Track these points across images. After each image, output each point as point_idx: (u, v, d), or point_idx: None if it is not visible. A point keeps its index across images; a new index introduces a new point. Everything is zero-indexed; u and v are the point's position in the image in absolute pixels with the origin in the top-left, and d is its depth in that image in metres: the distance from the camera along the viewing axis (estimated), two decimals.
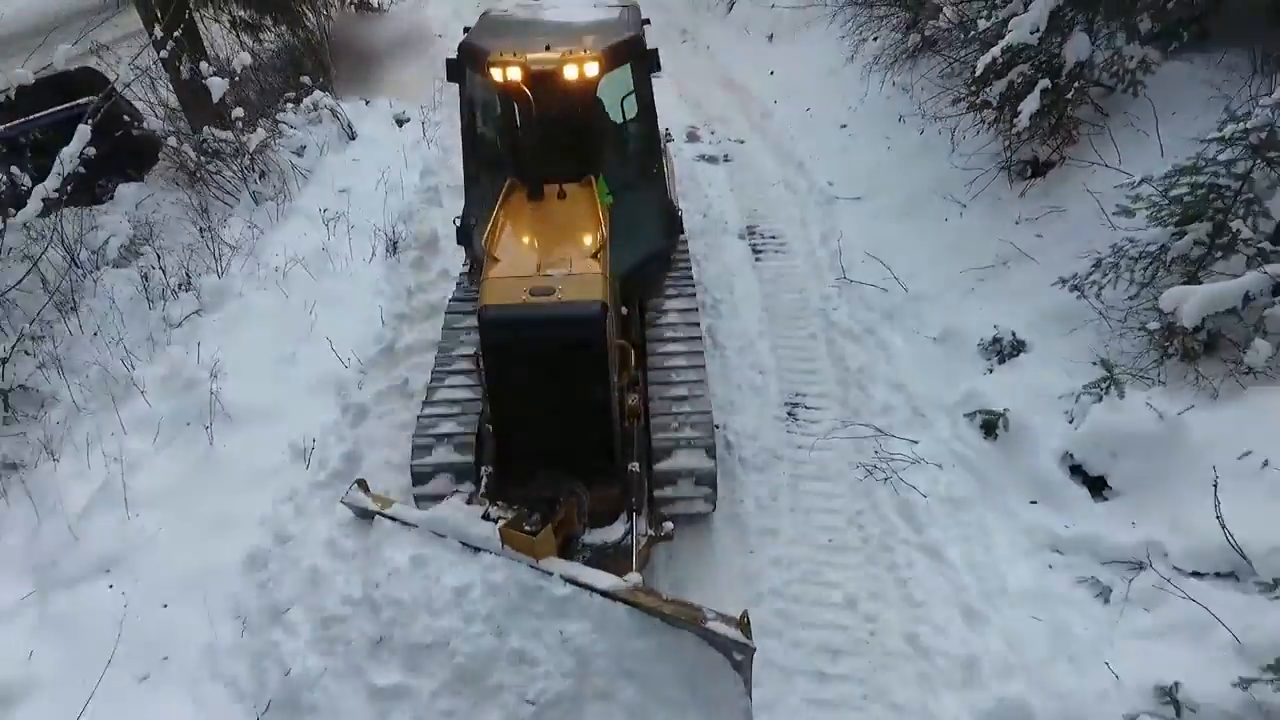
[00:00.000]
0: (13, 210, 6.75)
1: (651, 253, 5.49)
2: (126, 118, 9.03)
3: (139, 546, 4.17)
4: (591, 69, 4.51)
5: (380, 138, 9.18)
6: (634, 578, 3.56)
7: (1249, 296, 3.99)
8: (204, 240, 7.75)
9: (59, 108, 8.80)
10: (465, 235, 5.64)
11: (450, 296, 5.61)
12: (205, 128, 8.71)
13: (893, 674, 3.93)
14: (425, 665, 3.48)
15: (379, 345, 5.55)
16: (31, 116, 8.61)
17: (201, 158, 8.67)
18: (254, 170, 8.54)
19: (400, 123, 9.68)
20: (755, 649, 3.30)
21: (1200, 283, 4.24)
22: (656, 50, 5.00)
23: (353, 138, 9.15)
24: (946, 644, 3.95)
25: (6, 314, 6.95)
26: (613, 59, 4.68)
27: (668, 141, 6.54)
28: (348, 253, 6.86)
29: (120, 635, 3.68)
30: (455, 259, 6.50)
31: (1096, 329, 4.85)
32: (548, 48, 4.57)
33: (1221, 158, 4.12)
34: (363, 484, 4.06)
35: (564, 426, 4.10)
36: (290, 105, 9.24)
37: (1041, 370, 4.94)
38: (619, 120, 5.31)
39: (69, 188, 7.00)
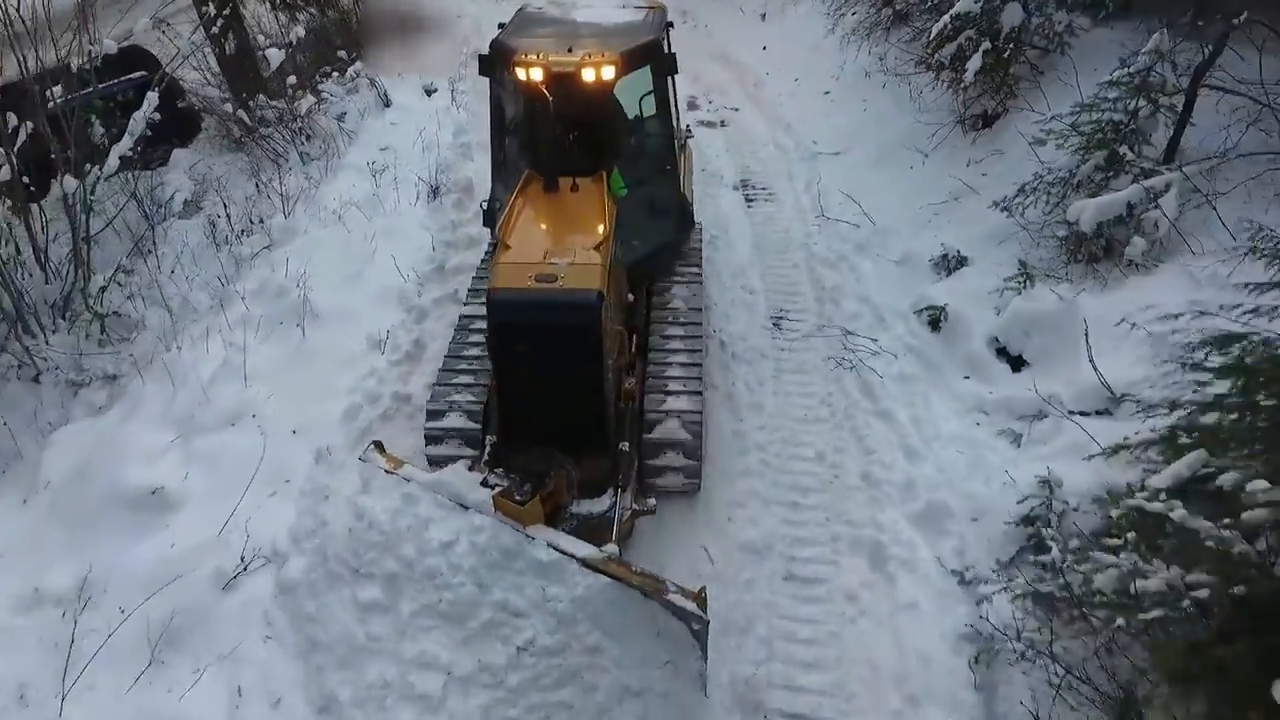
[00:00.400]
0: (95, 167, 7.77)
1: (660, 245, 5.78)
2: (188, 88, 10.07)
3: (257, 406, 5.27)
4: (608, 72, 4.76)
5: (413, 105, 10.25)
6: (610, 548, 3.82)
7: (1131, 205, 5.07)
8: (261, 193, 8.82)
9: (126, 77, 9.81)
10: (490, 218, 5.87)
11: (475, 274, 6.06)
12: (259, 95, 9.76)
13: (850, 501, 5.03)
14: (414, 595, 3.90)
15: (431, 265, 6.63)
16: (104, 84, 9.61)
17: (253, 122, 9.71)
18: (302, 133, 9.60)
19: (429, 92, 10.74)
20: (709, 621, 3.56)
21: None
22: (675, 55, 5.29)
23: (388, 105, 10.22)
24: (891, 475, 5.06)
25: (91, 255, 7.99)
26: (630, 62, 4.90)
27: (688, 138, 6.73)
28: (395, 198, 7.92)
29: (261, 461, 4.78)
30: None
31: (1020, 241, 5.95)
32: (570, 49, 4.84)
33: (1112, 96, 5.20)
34: (379, 445, 4.43)
35: (560, 403, 4.44)
36: (336, 75, 10.28)
37: (978, 277, 6.05)
38: (637, 118, 5.58)
39: (139, 148, 8.03)
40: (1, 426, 5.76)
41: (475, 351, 5.14)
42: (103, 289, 7.32)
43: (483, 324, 4.75)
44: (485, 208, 5.96)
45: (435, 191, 7.93)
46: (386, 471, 4.23)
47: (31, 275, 7.17)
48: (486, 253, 6.26)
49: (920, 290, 6.25)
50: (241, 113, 9.75)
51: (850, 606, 4.46)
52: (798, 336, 6.42)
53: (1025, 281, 5.39)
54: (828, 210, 7.73)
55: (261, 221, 7.80)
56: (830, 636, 4.35)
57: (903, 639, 4.22)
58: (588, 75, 4.75)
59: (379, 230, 7.26)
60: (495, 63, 5.22)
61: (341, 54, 10.98)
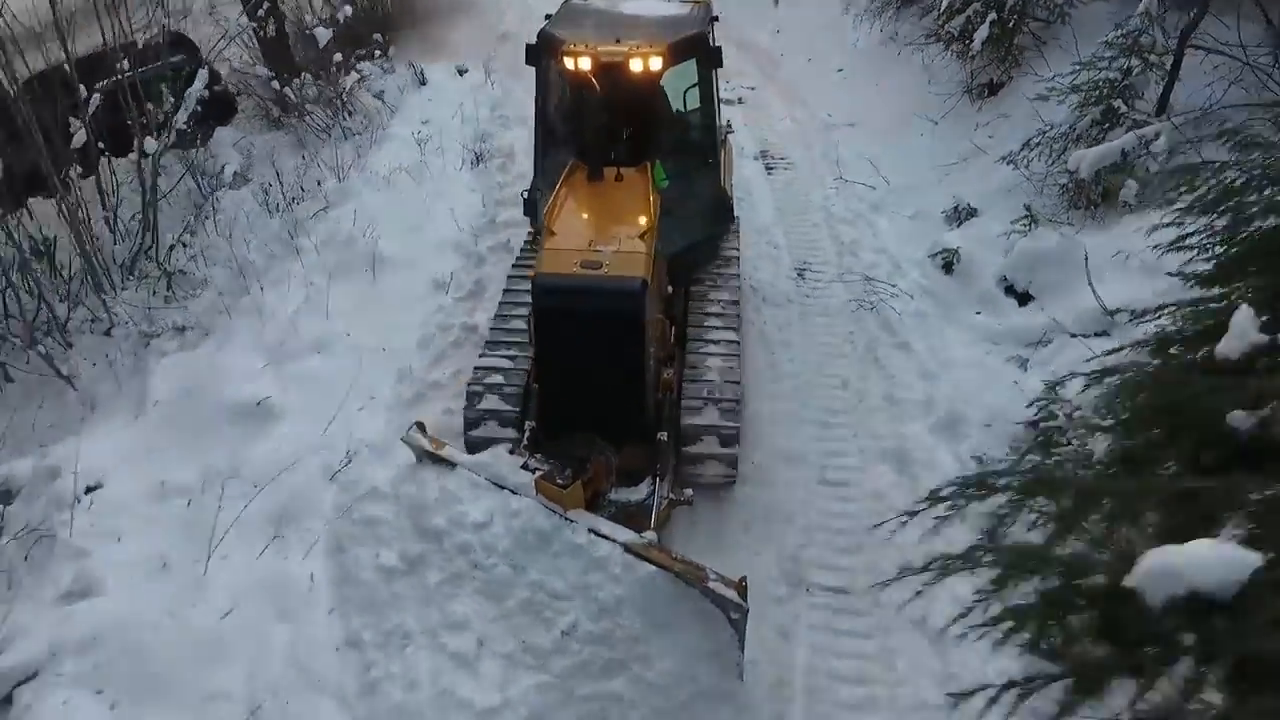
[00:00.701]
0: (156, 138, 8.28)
1: (700, 237, 5.78)
2: (236, 68, 10.63)
3: (340, 335, 5.85)
4: (655, 63, 4.83)
5: (447, 84, 10.81)
6: (650, 535, 3.89)
7: (1125, 152, 5.67)
8: (306, 164, 9.37)
9: (170, 60, 10.31)
10: (531, 207, 5.89)
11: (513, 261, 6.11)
12: (303, 73, 10.32)
13: (874, 419, 5.60)
14: (442, 565, 4.08)
15: (484, 218, 7.22)
16: (150, 66, 10.12)
17: (298, 99, 10.27)
18: (345, 109, 10.17)
19: (461, 72, 11.30)
20: (749, 610, 3.58)
21: None
22: (720, 48, 5.37)
23: (423, 83, 10.78)
24: (911, 395, 5.64)
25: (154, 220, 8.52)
26: (677, 54, 4.98)
27: (729, 134, 6.77)
28: (441, 165, 8.48)
29: (355, 381, 5.37)
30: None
31: (1025, 191, 6.56)
32: (618, 40, 4.92)
33: (1108, 55, 5.80)
34: (421, 426, 4.51)
35: (601, 390, 4.49)
36: (379, 53, 10.85)
37: (987, 225, 6.64)
38: (681, 110, 5.69)
39: (191, 123, 8.57)
40: (104, 359, 6.35)
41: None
42: (172, 247, 7.88)
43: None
44: (525, 196, 5.99)
45: (479, 158, 8.50)
46: (428, 452, 4.38)
47: (99, 238, 7.69)
48: (525, 242, 6.28)
49: (934, 238, 6.84)
50: (287, 91, 10.31)
51: (878, 503, 5.03)
52: (820, 284, 7.00)
53: (1030, 224, 5.98)
54: (845, 174, 8.31)
55: (319, 184, 8.35)
56: (862, 528, 4.92)
57: (926, 524, 4.79)
58: (635, 66, 4.84)
59: (429, 193, 7.83)
60: (542, 52, 5.31)
61: (377, 36, 11.54)
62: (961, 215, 6.90)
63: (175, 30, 11.05)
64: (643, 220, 4.73)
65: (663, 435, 4.62)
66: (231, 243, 7.84)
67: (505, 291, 5.71)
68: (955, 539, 2.38)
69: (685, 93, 5.60)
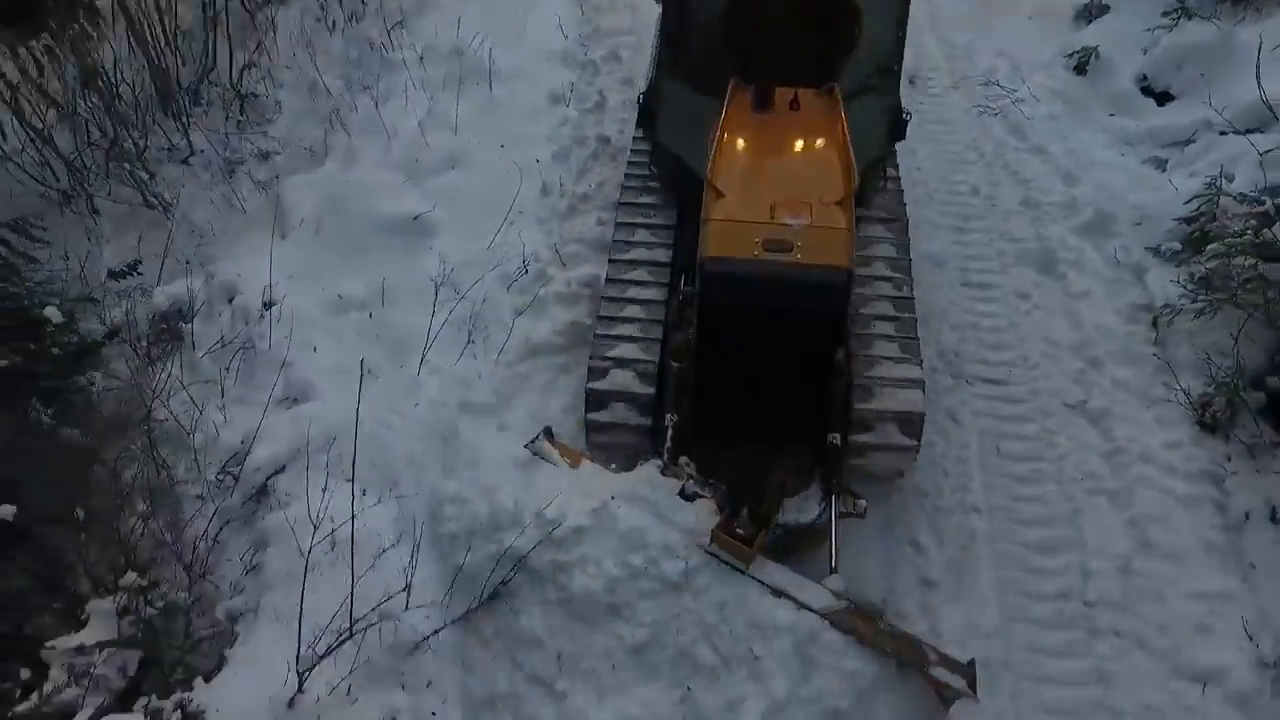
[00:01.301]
0: None
1: (871, 162, 4.52)
2: None
3: (471, 150, 5.73)
4: None
5: None
6: (837, 582, 3.32)
7: None
8: None
9: None
10: (647, 116, 4.67)
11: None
12: None
13: (1011, 223, 5.63)
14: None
15: (589, 26, 6.87)
16: None
17: None
18: None
19: None
20: (978, 703, 3.08)
21: None
22: None
23: None
24: (1051, 198, 5.65)
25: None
26: None
27: None
28: None
29: (500, 194, 5.35)
30: None
31: None
32: None
33: None
34: (548, 432, 3.85)
35: (776, 393, 3.75)
36: None
37: (1124, 22, 6.38)
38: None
39: None
40: (195, 185, 6.26)
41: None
42: (244, 68, 7.49)
43: None
44: (640, 101, 4.71)
45: None
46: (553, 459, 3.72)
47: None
48: (636, 135, 5.14)
49: (1064, 39, 6.60)
50: None
51: (1024, 303, 5.20)
52: (934, 91, 6.82)
53: (1180, 17, 5.76)
54: None
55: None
56: (1009, 325, 5.12)
57: (1079, 319, 4.99)
58: None
59: (518, 3, 7.34)
60: None
61: None
62: (1093, 12, 6.61)
63: None
64: (838, 177, 3.76)
65: (834, 438, 3.69)
66: (316, 64, 7.40)
67: (615, 244, 4.61)
68: None
69: None
